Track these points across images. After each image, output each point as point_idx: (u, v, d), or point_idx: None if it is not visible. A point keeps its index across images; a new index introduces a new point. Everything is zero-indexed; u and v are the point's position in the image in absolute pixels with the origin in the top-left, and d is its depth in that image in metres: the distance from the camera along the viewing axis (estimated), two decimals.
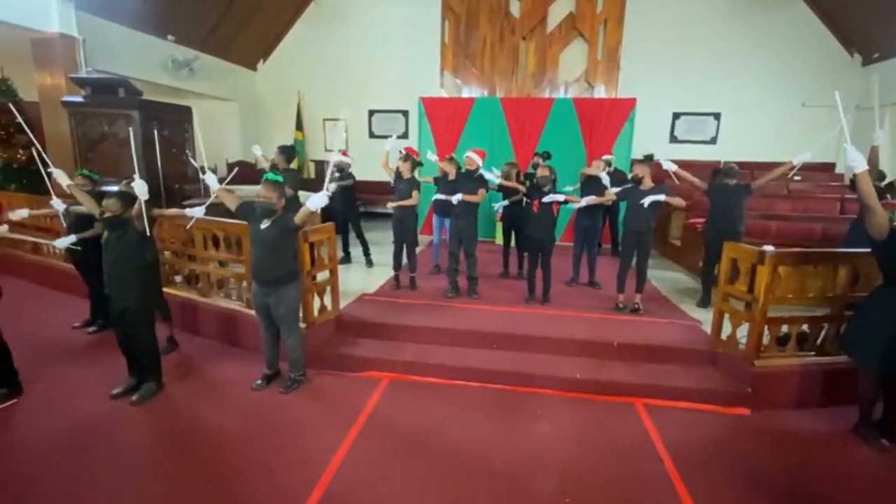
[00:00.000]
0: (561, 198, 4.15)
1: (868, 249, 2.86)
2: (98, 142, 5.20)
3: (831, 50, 8.25)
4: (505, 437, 2.89)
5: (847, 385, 3.10)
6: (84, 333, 4.22)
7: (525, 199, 4.38)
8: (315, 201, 2.98)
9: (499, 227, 5.27)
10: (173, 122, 5.59)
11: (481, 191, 4.45)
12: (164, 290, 3.98)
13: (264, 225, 3.08)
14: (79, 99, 5.22)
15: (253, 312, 3.50)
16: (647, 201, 3.94)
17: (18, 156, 6.42)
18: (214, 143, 9.06)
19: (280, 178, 3.18)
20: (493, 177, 4.57)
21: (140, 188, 3.07)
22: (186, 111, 5.88)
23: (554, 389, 3.40)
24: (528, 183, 4.98)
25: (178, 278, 4.49)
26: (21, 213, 3.99)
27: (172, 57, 7.57)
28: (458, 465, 2.62)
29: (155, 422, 2.99)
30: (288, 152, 5.03)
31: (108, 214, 2.98)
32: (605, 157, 6.00)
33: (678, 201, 4.04)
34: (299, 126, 9.69)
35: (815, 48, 8.25)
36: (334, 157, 3.08)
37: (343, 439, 2.81)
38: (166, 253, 4.36)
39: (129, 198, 3.06)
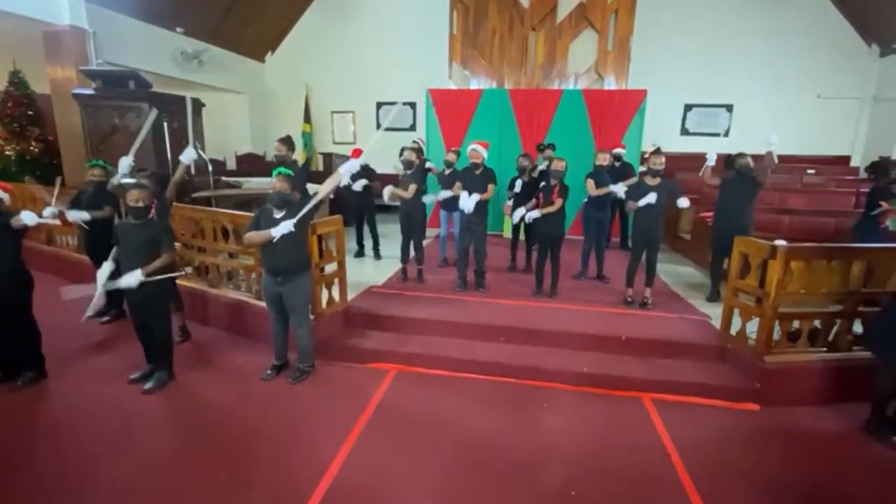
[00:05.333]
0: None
1: (880, 245, 2.81)
2: (109, 134, 5.24)
3: (848, 40, 8.06)
4: (512, 429, 2.91)
5: (858, 381, 3.07)
6: (97, 323, 4.29)
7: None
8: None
9: (507, 220, 5.24)
10: (182, 113, 5.60)
11: (491, 186, 4.40)
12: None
13: (278, 216, 3.10)
14: (89, 91, 5.26)
15: (262, 303, 3.53)
16: (651, 199, 3.92)
17: (31, 147, 6.51)
18: (223, 136, 9.11)
19: (291, 172, 3.20)
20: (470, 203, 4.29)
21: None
22: (196, 104, 5.89)
23: (561, 383, 3.40)
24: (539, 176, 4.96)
25: (188, 269, 4.54)
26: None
27: (181, 49, 7.59)
28: (465, 456, 2.64)
29: (169, 409, 3.05)
30: (290, 142, 4.59)
31: (138, 204, 3.03)
32: (615, 150, 5.93)
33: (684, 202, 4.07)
34: (307, 118, 9.69)
35: (832, 38, 8.07)
36: (351, 163, 3.13)
37: (351, 429, 2.84)
38: (176, 244, 4.40)
39: (154, 186, 3.20)
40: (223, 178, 6.25)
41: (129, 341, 3.24)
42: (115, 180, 3.95)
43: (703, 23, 8.34)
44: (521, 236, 5.36)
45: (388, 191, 4.48)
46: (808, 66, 8.18)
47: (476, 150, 4.43)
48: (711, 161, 4.28)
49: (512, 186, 5.07)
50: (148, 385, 3.20)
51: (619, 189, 4.60)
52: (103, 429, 2.79)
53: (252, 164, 9.26)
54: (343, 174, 3.11)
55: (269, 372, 3.44)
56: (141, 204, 3.04)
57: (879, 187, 4.33)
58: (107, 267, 3.04)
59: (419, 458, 2.62)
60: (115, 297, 4.35)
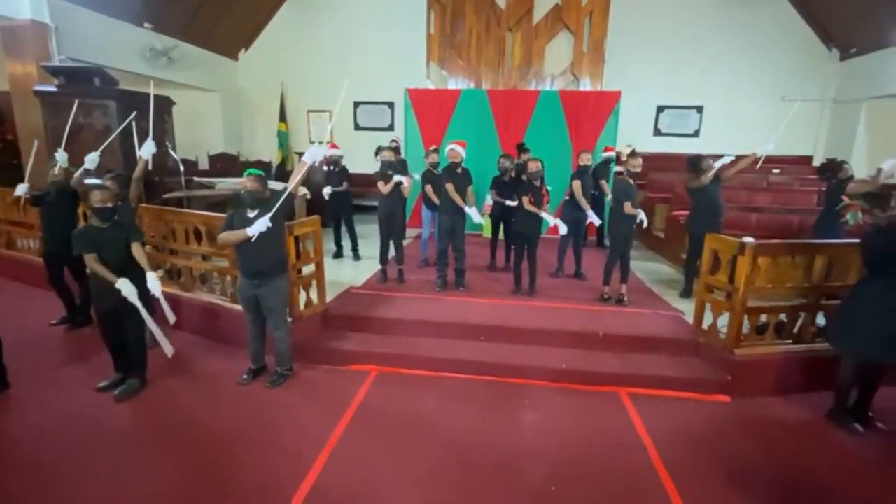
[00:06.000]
0: (550, 221, 4.26)
1: (840, 241, 2.93)
2: (73, 133, 5.01)
3: (810, 45, 8.40)
4: (492, 427, 2.92)
5: (821, 372, 3.20)
6: (62, 330, 4.12)
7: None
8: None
9: (486, 220, 5.28)
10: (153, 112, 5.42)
11: (469, 188, 4.51)
12: None
13: (252, 215, 3.04)
14: (52, 88, 5.03)
15: (237, 307, 3.45)
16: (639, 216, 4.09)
17: None
18: (196, 135, 8.86)
19: (262, 172, 3.17)
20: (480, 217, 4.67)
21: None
22: (165, 102, 5.72)
23: (541, 380, 3.44)
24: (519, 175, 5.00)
25: (160, 272, 4.39)
26: None
27: (150, 45, 7.35)
28: (447, 455, 2.64)
29: (143, 416, 2.95)
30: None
31: (107, 205, 2.95)
32: (606, 153, 6.03)
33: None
34: (283, 118, 9.52)
35: (795, 43, 8.39)
36: (316, 149, 3.16)
37: (331, 432, 2.80)
38: (147, 247, 4.26)
39: (120, 188, 3.16)
40: (195, 179, 6.09)
41: (96, 349, 3.12)
42: (78, 173, 3.89)
43: (674, 26, 8.56)
44: (501, 236, 5.41)
45: (403, 178, 4.56)
46: (773, 70, 8.49)
47: (455, 150, 4.48)
48: (725, 161, 4.38)
49: (494, 186, 5.10)
50: (117, 391, 3.09)
51: (595, 219, 4.83)
52: (72, 438, 2.68)
53: (225, 164, 9.04)
54: (307, 161, 3.10)
55: (245, 376, 3.37)
56: (109, 204, 2.95)
57: (832, 186, 4.55)
58: (128, 287, 2.91)
59: (401, 459, 2.61)
60: (81, 305, 4.21)
